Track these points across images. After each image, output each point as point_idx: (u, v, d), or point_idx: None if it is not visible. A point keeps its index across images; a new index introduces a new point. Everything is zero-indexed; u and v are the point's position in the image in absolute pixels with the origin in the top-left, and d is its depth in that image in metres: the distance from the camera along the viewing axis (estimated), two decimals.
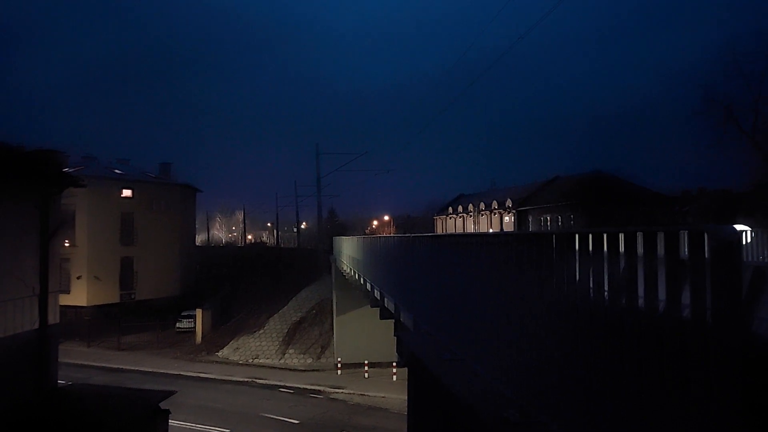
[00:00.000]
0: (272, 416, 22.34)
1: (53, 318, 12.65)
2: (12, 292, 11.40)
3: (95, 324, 36.58)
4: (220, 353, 33.55)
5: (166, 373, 29.40)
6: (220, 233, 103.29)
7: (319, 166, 45.03)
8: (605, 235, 2.89)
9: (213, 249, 76.52)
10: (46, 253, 12.40)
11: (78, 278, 39.13)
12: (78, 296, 38.50)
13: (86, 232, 39.75)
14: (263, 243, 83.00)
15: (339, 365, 29.16)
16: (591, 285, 3.01)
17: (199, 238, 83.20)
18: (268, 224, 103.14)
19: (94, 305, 39.09)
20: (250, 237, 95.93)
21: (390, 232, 73.87)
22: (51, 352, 12.65)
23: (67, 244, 36.41)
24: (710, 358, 2.05)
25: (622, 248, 2.73)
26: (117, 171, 45.73)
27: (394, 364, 26.43)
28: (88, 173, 37.42)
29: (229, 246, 78.72)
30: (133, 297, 41.88)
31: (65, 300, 26.62)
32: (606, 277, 2.86)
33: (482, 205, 70.26)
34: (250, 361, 31.96)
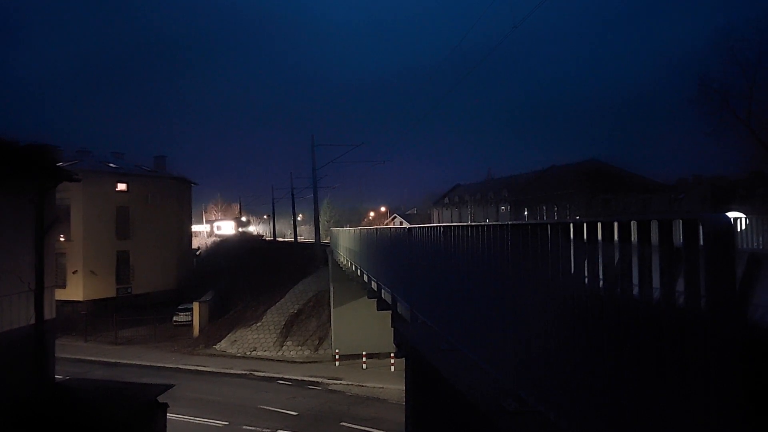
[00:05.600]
0: (271, 408, 22.41)
1: (49, 313, 12.62)
2: (7, 288, 11.36)
3: (92, 318, 36.55)
4: (217, 346, 33.60)
5: (164, 367, 29.46)
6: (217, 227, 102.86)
7: (314, 157, 44.87)
8: (599, 225, 2.88)
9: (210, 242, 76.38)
10: (41, 248, 12.34)
11: (74, 273, 39.07)
12: (74, 291, 38.45)
13: (81, 226, 39.64)
14: (260, 236, 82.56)
15: (337, 356, 29.24)
16: (586, 274, 3.01)
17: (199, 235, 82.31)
18: (265, 216, 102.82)
19: (91, 300, 39.07)
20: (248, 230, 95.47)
21: (389, 224, 73.85)
22: (48, 347, 12.63)
23: (62, 239, 36.32)
24: (707, 346, 2.06)
25: (616, 237, 2.73)
26: (111, 165, 45.53)
27: (392, 354, 26.50)
28: (82, 167, 37.30)
29: (227, 239, 78.53)
30: (129, 291, 41.86)
31: (61, 295, 26.59)
32: (601, 267, 2.86)
33: (478, 195, 70.29)
34: (248, 353, 32.01)
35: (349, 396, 24.46)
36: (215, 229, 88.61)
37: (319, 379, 26.83)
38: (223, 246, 64.82)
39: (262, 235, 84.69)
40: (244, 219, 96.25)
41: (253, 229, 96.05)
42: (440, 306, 6.36)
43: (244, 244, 60.80)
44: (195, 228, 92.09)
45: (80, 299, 38.54)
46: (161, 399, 13.18)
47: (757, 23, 26.15)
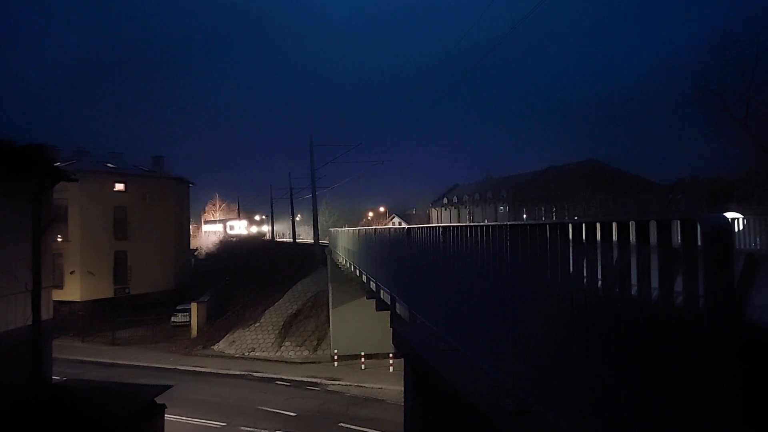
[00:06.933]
0: (269, 409, 22.39)
1: (47, 314, 12.60)
2: (5, 288, 11.34)
3: (89, 319, 36.48)
4: (215, 347, 33.56)
5: (162, 368, 29.40)
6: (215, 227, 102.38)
7: (313, 157, 44.89)
8: (598, 225, 2.89)
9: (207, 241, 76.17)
10: (38, 248, 12.32)
11: (71, 273, 38.98)
12: (71, 291, 38.36)
13: (79, 226, 39.55)
14: (259, 236, 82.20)
15: (335, 357, 29.23)
16: (585, 275, 3.01)
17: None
18: (263, 216, 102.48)
19: (88, 300, 38.98)
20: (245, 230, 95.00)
21: (387, 224, 73.79)
22: (45, 347, 12.61)
23: (59, 239, 36.24)
24: (706, 346, 2.06)
25: (615, 238, 2.73)
26: (109, 165, 45.44)
27: (391, 355, 26.50)
28: (80, 167, 37.18)
29: (225, 239, 78.37)
30: (127, 291, 41.76)
31: (58, 295, 26.59)
32: (599, 267, 2.86)
33: (477, 196, 70.35)
34: (246, 354, 31.99)
35: (347, 396, 24.44)
36: (228, 229, 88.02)
37: (318, 380, 26.81)
38: (224, 246, 64.60)
39: (263, 234, 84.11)
40: (258, 218, 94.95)
41: (267, 228, 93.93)
42: (439, 306, 6.36)
43: (245, 244, 60.61)
44: (207, 228, 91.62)
45: (78, 300, 38.45)
46: (159, 400, 13.16)
47: (755, 23, 26.18)
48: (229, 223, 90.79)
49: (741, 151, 27.76)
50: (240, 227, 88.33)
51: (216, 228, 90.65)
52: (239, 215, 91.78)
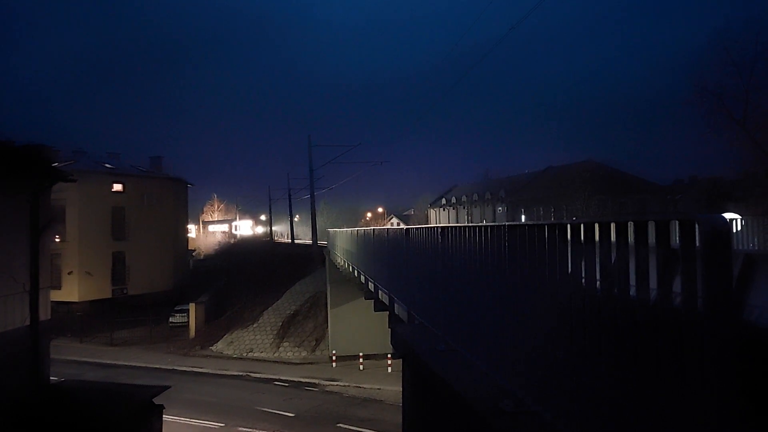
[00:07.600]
0: (267, 410, 22.36)
1: (44, 314, 12.58)
2: (2, 289, 11.32)
3: (87, 320, 36.41)
4: (213, 347, 33.52)
5: (160, 368, 29.35)
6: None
7: (311, 158, 44.82)
8: (597, 225, 2.88)
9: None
10: (36, 248, 12.30)
11: (69, 274, 38.93)
12: (69, 292, 38.32)
13: (77, 227, 39.51)
14: (264, 236, 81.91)
15: (334, 358, 29.20)
16: (583, 275, 3.01)
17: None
18: (261, 217, 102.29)
19: (86, 301, 38.93)
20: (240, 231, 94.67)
21: (386, 224, 73.76)
22: (43, 348, 12.59)
23: (57, 240, 36.18)
24: (704, 346, 2.06)
25: (613, 238, 2.73)
26: (107, 165, 45.40)
27: (389, 355, 26.48)
28: (78, 167, 37.13)
29: (223, 240, 78.16)
30: (125, 292, 41.71)
31: (56, 296, 26.50)
32: (598, 267, 2.85)
33: (475, 196, 70.37)
34: (245, 354, 31.94)
35: (346, 397, 24.42)
36: (233, 229, 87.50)
37: (316, 381, 26.76)
38: (223, 247, 64.50)
39: (268, 234, 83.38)
40: (263, 218, 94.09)
41: (277, 229, 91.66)
42: (438, 307, 6.35)
43: (243, 245, 60.49)
44: (212, 227, 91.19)
45: (76, 300, 38.40)
46: (157, 400, 13.14)
47: (753, 24, 26.25)
48: (234, 223, 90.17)
49: (739, 152, 27.81)
50: (245, 227, 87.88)
51: (221, 228, 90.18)
52: (237, 215, 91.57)
